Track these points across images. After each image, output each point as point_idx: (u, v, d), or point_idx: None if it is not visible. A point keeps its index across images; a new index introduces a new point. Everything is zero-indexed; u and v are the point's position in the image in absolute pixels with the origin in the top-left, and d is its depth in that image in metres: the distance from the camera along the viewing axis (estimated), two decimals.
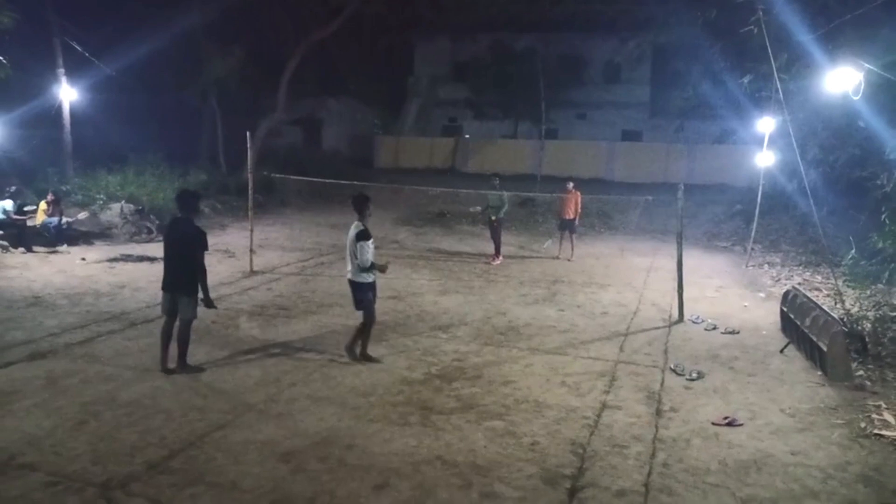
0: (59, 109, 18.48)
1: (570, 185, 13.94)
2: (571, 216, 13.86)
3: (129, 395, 6.06)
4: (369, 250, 6.87)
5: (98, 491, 4.43)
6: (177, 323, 6.67)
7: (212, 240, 16.85)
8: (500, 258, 13.53)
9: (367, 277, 7.03)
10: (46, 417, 5.56)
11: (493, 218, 13.48)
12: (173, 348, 6.69)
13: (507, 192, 14.03)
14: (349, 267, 7.05)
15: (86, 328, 8.18)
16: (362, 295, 7.06)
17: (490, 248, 13.94)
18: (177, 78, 24.45)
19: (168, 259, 6.70)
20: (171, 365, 6.68)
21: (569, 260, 13.88)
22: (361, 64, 32.76)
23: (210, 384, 6.40)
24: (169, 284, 6.66)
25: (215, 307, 7.12)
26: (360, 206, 7.06)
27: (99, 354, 7.22)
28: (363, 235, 6.82)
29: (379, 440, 5.28)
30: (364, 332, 7.19)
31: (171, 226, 6.90)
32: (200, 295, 6.68)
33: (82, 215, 15.24)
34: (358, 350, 7.24)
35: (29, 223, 13.57)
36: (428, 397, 6.16)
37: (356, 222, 6.96)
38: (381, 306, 9.66)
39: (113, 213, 16.29)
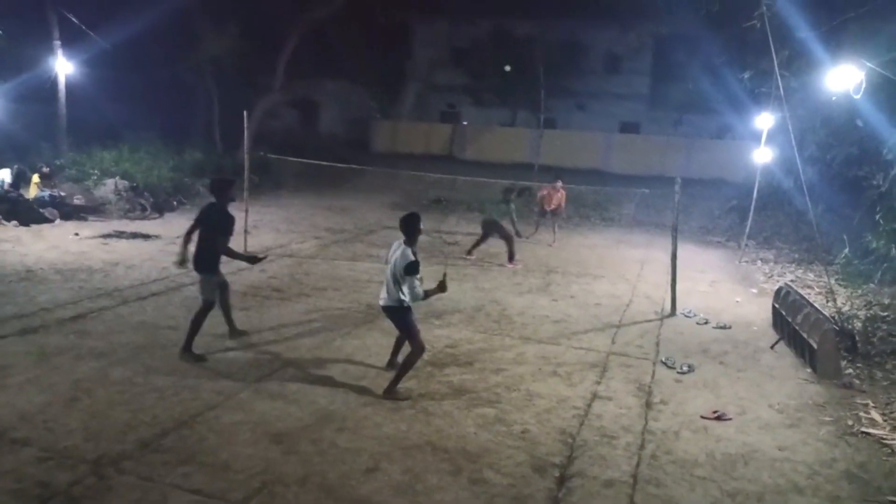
0: (54, 83, 18.26)
1: (559, 182, 14.47)
2: (553, 208, 14.44)
3: (121, 373, 6.06)
4: (419, 286, 5.70)
5: (90, 467, 4.44)
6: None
7: None
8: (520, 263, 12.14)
9: (405, 301, 5.73)
10: (39, 393, 5.55)
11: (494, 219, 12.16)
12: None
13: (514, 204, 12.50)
14: (385, 294, 5.81)
15: (78, 304, 8.16)
16: (404, 320, 5.83)
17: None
18: (171, 54, 24.18)
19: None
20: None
21: (550, 245, 14.29)
22: (359, 46, 32.41)
23: (202, 364, 6.40)
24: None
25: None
26: (411, 226, 5.82)
27: (91, 331, 7.20)
28: (413, 269, 5.57)
29: (370, 424, 5.30)
30: (409, 365, 5.89)
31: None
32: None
33: (78, 199, 15.12)
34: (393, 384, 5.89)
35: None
36: (419, 383, 6.18)
37: (403, 245, 5.76)
38: (374, 291, 9.70)
39: (107, 189, 16.19)
